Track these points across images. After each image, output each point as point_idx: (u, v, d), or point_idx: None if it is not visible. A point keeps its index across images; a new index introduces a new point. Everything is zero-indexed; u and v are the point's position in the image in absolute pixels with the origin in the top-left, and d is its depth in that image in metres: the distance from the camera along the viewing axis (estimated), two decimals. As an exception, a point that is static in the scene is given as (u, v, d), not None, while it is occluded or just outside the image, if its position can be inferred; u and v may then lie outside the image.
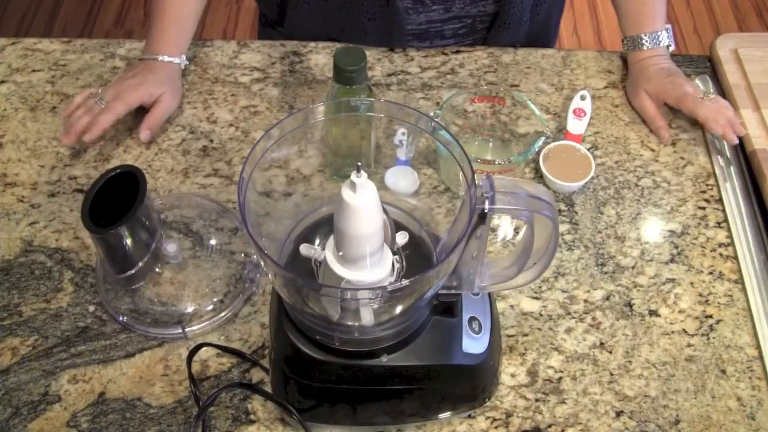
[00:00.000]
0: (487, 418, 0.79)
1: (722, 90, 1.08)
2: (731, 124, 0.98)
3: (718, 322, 0.86)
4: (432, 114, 0.92)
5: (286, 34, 1.17)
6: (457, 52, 1.12)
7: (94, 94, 0.99)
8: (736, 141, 0.98)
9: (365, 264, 0.63)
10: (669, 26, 1.05)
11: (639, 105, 1.04)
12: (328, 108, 0.74)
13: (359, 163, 0.58)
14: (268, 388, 0.78)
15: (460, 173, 0.64)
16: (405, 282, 0.58)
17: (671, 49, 1.06)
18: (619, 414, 0.79)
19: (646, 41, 1.05)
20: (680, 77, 1.02)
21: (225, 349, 0.82)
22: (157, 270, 0.87)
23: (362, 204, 0.59)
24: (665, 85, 1.01)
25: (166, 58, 1.03)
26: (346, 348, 0.68)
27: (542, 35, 1.21)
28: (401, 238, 0.70)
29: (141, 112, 1.02)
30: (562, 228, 0.94)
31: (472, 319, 0.73)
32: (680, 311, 0.87)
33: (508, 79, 1.09)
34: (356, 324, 0.67)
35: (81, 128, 0.96)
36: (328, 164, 0.92)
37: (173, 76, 1.03)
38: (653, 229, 0.94)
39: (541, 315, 0.86)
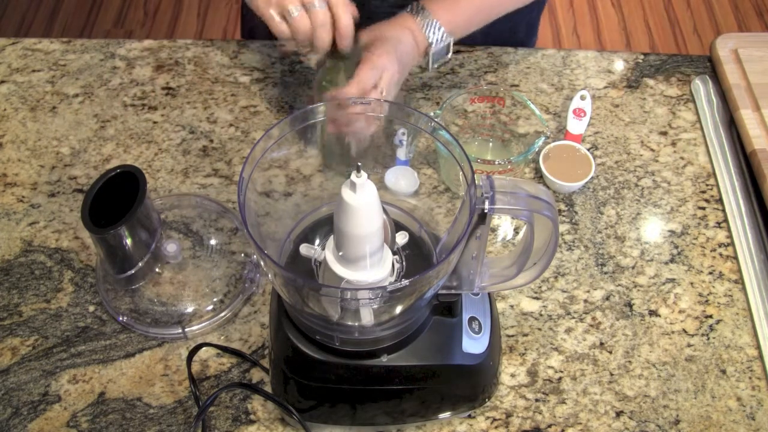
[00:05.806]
0: (487, 418, 0.79)
1: (722, 90, 1.08)
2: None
3: (718, 322, 0.86)
4: (432, 114, 0.92)
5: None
6: (457, 52, 1.12)
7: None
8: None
9: (365, 264, 0.63)
10: (451, 40, 0.94)
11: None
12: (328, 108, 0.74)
13: (359, 163, 0.58)
14: (268, 388, 0.78)
15: (460, 173, 0.64)
16: (405, 282, 0.58)
17: (431, 50, 0.93)
18: (619, 414, 0.79)
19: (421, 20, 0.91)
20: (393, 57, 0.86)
21: (225, 349, 0.82)
22: (157, 270, 0.87)
23: (362, 204, 0.59)
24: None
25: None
26: (346, 348, 0.68)
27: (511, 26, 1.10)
28: (401, 238, 0.70)
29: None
30: (562, 228, 0.94)
31: (472, 319, 0.73)
32: (680, 311, 0.87)
33: (508, 79, 1.09)
34: (356, 324, 0.67)
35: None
36: (321, 153, 0.89)
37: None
38: (653, 229, 0.94)
39: (541, 315, 0.86)
